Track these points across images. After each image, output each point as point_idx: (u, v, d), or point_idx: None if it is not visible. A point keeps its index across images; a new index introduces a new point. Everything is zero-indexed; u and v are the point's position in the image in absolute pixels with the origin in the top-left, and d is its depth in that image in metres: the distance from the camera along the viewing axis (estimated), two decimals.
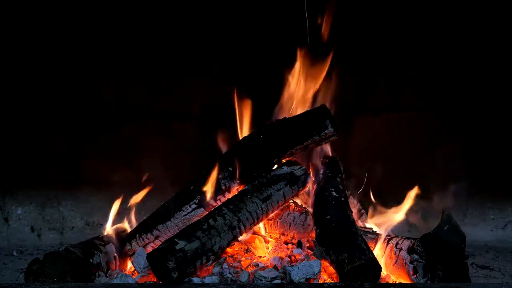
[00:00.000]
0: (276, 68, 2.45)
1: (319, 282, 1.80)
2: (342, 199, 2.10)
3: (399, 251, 1.91)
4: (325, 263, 1.88)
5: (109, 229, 2.15)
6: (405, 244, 1.91)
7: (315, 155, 2.35)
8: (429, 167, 2.83)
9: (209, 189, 2.12)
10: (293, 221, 2.17)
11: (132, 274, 1.98)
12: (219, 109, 2.72)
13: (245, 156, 2.15)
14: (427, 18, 2.78)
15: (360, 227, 2.14)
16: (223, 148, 2.27)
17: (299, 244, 2.11)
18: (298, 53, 2.39)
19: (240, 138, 2.31)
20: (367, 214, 2.32)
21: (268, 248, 2.14)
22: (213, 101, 2.81)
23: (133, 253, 2.05)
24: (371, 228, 2.15)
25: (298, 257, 2.03)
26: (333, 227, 1.92)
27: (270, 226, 2.23)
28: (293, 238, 2.17)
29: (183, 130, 2.86)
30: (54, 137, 2.85)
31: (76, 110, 2.85)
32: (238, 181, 2.15)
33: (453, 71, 2.83)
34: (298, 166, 2.17)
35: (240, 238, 2.05)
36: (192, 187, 2.15)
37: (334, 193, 2.10)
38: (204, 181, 2.14)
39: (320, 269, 1.82)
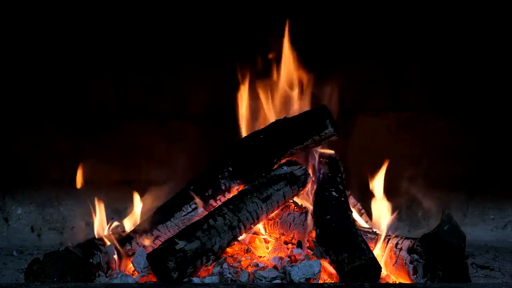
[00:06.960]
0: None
1: (319, 282, 1.80)
2: (342, 199, 2.10)
3: (399, 251, 1.91)
4: (325, 263, 1.88)
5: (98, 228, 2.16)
6: (405, 244, 1.91)
7: (315, 155, 2.34)
8: (429, 166, 2.83)
9: (209, 189, 2.12)
10: (293, 221, 2.17)
11: (132, 274, 1.98)
12: (220, 109, 2.73)
13: (245, 156, 2.15)
14: (427, 18, 2.77)
15: (360, 227, 2.14)
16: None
17: (299, 244, 2.11)
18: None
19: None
20: (367, 214, 2.32)
21: (268, 248, 2.14)
22: (213, 101, 2.80)
23: (133, 253, 2.05)
24: (371, 228, 2.15)
25: (298, 257, 2.03)
26: (333, 227, 1.93)
27: (270, 226, 2.23)
28: (293, 238, 2.17)
29: (183, 130, 2.85)
30: (54, 137, 2.85)
31: (76, 110, 2.85)
32: (238, 181, 2.15)
33: (453, 71, 2.83)
34: (298, 166, 2.17)
35: (240, 238, 2.05)
36: (192, 187, 2.15)
37: (334, 193, 2.10)
38: (204, 181, 2.14)
39: (320, 269, 1.82)
